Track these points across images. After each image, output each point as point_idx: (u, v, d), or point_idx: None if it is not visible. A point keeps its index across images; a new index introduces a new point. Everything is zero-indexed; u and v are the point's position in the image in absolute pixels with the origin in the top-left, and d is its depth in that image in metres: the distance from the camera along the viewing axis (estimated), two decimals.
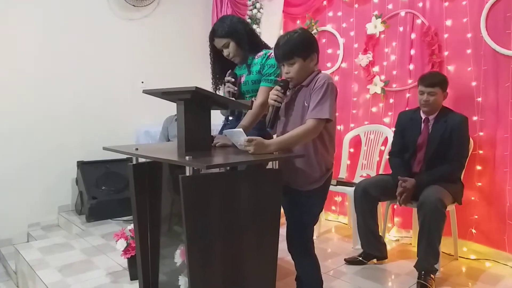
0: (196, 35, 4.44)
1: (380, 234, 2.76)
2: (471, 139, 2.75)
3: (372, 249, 2.75)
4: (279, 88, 1.83)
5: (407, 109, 3.09)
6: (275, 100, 1.83)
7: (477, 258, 2.83)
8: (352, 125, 3.60)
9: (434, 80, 2.61)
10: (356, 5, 3.54)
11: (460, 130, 2.57)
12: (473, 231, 2.87)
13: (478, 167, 2.84)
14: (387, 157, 2.92)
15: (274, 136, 1.95)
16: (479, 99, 2.82)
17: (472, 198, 2.87)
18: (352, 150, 3.56)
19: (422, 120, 2.70)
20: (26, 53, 3.57)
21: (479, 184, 2.84)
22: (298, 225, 1.91)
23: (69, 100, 3.80)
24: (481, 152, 2.83)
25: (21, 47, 3.54)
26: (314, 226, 1.96)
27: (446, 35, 2.99)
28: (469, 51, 2.87)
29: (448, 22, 2.97)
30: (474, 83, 2.85)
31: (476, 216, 2.86)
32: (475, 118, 2.84)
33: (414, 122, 2.73)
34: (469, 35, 2.86)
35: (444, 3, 2.99)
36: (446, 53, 2.99)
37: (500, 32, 2.72)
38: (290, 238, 1.93)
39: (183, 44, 4.48)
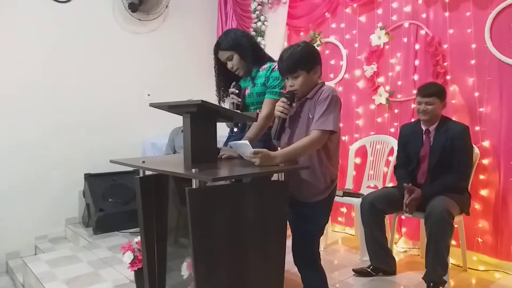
0: (201, 48, 4.49)
1: (388, 247, 2.74)
2: (476, 148, 2.74)
3: (381, 263, 2.72)
4: (285, 100, 1.85)
5: (412, 120, 3.09)
6: (281, 112, 1.84)
7: (486, 269, 2.80)
8: (356, 135, 3.60)
9: (431, 90, 2.61)
10: (360, 17, 3.57)
11: (462, 140, 2.55)
12: (480, 240, 2.84)
13: (481, 177, 2.83)
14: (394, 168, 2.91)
15: (279, 148, 1.96)
16: (482, 109, 2.83)
17: (476, 206, 2.85)
18: (358, 160, 3.56)
19: (424, 131, 2.69)
20: (33, 67, 3.63)
21: (484, 193, 2.83)
22: (304, 237, 1.91)
23: (76, 112, 3.84)
24: (484, 162, 2.82)
25: (28, 61, 3.60)
26: (321, 238, 1.96)
27: (449, 46, 2.99)
28: (473, 61, 2.88)
29: (452, 33, 2.98)
30: (477, 94, 2.85)
31: (480, 225, 2.85)
32: (477, 128, 2.84)
33: (416, 134, 2.72)
34: (473, 46, 2.87)
35: (447, 14, 3.00)
36: (450, 64, 3.00)
37: (505, 42, 2.73)
38: (296, 251, 1.93)
39: (188, 57, 4.54)
